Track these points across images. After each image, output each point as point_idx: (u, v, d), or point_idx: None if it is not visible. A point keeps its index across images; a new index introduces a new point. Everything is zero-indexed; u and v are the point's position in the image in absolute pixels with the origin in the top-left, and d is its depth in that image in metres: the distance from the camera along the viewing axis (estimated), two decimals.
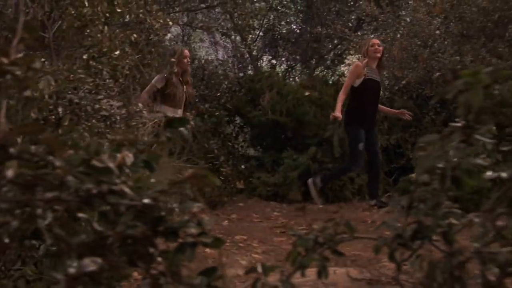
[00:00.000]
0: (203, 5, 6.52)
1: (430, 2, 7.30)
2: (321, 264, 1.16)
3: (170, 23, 4.90)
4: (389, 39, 7.39)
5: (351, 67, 6.25)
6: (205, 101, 7.49)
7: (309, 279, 3.07)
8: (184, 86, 5.93)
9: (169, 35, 9.95)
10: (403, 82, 6.78)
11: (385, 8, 7.48)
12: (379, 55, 5.71)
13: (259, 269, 1.04)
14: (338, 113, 5.57)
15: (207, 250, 4.49)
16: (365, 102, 5.67)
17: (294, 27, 9.90)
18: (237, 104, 7.57)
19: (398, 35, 7.36)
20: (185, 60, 5.82)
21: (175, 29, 8.91)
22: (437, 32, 7.22)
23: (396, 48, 7.15)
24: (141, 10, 4.84)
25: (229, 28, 8.05)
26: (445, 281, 1.25)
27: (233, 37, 8.87)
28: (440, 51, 6.98)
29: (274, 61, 10.21)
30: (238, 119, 7.80)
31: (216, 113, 7.34)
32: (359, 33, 8.15)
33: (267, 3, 8.45)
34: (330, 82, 8.12)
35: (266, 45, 9.45)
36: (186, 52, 5.95)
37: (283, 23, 9.22)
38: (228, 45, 10.09)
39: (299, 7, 8.93)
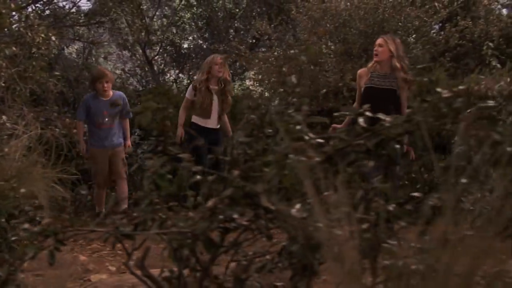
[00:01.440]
0: (93, 21, 6.67)
1: (320, 23, 7.83)
2: (49, 253, 1.41)
3: (53, 37, 5.00)
4: (281, 56, 7.87)
5: None
6: None
7: (116, 278, 3.32)
8: (215, 95, 5.61)
9: (74, 48, 9.94)
10: (290, 98, 7.22)
11: (277, 27, 7.96)
12: (376, 58, 4.83)
13: None
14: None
15: (82, 257, 4.66)
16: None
17: (201, 42, 10.24)
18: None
19: (290, 53, 7.85)
20: (216, 67, 5.54)
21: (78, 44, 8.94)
22: (325, 51, 7.77)
23: (287, 66, 7.62)
24: (22, 24, 4.93)
25: (129, 42, 8.21)
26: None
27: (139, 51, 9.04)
28: (326, 69, 7.52)
29: (181, 75, 10.49)
30: (137, 131, 7.93)
31: None
32: (256, 49, 8.61)
33: (167, 19, 8.72)
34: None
35: (172, 60, 9.69)
36: (218, 59, 5.64)
37: (189, 38, 9.52)
38: (135, 59, 10.22)
39: (201, 24, 9.28)
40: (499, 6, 9.63)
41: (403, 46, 5.02)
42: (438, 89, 1.37)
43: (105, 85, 5.49)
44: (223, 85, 5.69)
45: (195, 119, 5.76)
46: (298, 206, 1.24)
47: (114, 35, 9.45)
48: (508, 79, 5.90)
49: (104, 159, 5.61)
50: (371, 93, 4.82)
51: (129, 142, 5.95)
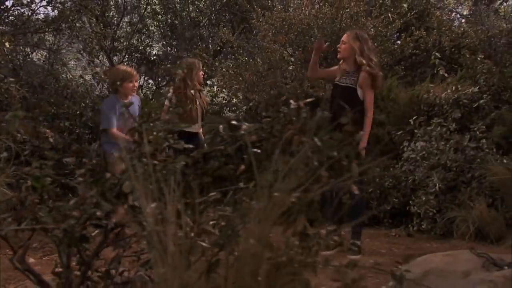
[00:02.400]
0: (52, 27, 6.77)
1: (280, 31, 8.03)
2: None
3: (7, 44, 5.10)
4: (244, 62, 8.06)
5: None
6: (66, 119, 7.68)
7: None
8: (196, 100, 5.51)
9: (43, 54, 9.98)
10: (251, 104, 7.42)
11: (240, 35, 8.14)
12: (339, 55, 4.76)
13: None
14: None
15: (32, 259, 4.75)
16: (332, 113, 4.68)
17: (169, 49, 10.39)
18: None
19: (252, 61, 8.04)
20: (200, 73, 5.49)
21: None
22: (286, 59, 7.97)
23: (248, 72, 7.81)
24: None
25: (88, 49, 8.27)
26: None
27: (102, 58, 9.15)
28: (285, 76, 7.72)
29: (150, 81, 10.64)
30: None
31: (77, 131, 7.58)
32: (219, 57, 8.79)
33: (133, 26, 8.87)
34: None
35: (140, 66, 9.81)
36: (200, 64, 5.59)
37: (155, 45, 9.66)
38: (105, 65, 10.32)
39: (165, 31, 9.43)
40: (458, 16, 9.98)
41: (370, 42, 4.85)
42: (291, 101, 1.54)
43: (135, 84, 5.08)
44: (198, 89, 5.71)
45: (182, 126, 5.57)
46: (153, 205, 1.39)
47: (78, 42, 9.51)
48: (453, 88, 6.16)
49: None
50: (334, 91, 4.78)
51: None
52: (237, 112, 8.99)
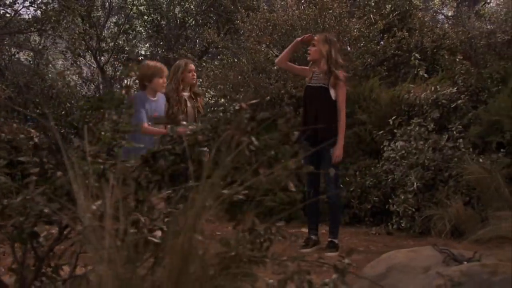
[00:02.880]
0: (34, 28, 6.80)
1: (265, 32, 8.09)
2: None
3: None
4: (229, 63, 8.12)
5: None
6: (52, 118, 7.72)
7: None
8: (192, 100, 5.25)
9: (30, 54, 10.01)
10: (234, 104, 7.47)
11: (223, 37, 8.20)
12: (309, 58, 4.88)
13: None
14: None
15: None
16: (304, 114, 4.92)
17: (158, 49, 10.43)
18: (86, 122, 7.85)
19: (236, 60, 8.10)
20: (190, 74, 5.21)
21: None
22: (270, 59, 8.03)
23: (232, 72, 7.87)
24: None
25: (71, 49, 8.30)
26: None
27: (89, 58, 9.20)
28: (269, 77, 7.78)
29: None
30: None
31: (62, 131, 7.62)
32: (207, 56, 8.86)
33: (118, 26, 8.92)
34: None
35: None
36: (191, 66, 5.30)
37: (140, 46, 9.72)
38: (93, 65, 10.35)
39: (151, 32, 9.47)
40: (442, 17, 10.08)
41: (338, 45, 4.97)
42: (236, 102, 1.61)
43: (165, 80, 4.91)
44: (196, 90, 5.45)
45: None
46: (98, 202, 1.46)
47: (63, 42, 9.53)
48: (433, 88, 6.25)
49: None
50: (307, 92, 4.92)
51: None
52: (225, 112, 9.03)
